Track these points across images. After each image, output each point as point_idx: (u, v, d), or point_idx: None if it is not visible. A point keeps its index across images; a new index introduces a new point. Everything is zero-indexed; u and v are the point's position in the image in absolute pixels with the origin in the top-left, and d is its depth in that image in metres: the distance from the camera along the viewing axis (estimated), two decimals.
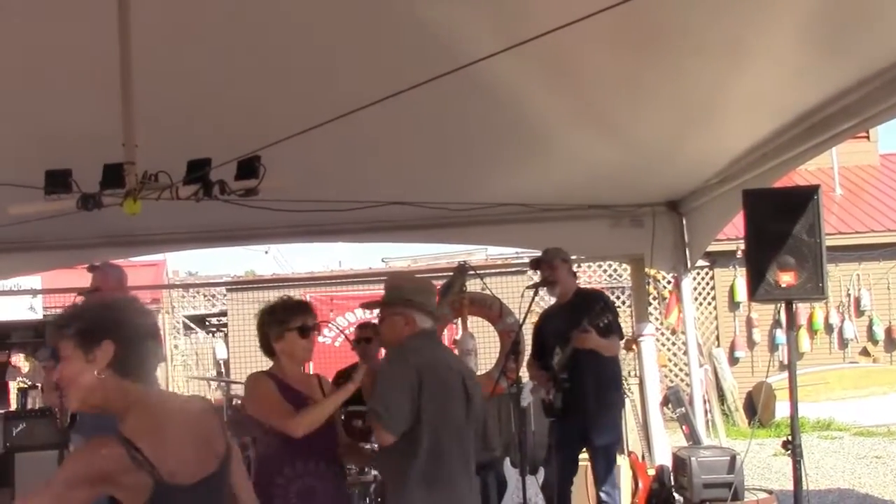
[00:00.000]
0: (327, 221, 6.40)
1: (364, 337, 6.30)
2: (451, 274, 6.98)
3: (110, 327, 2.27)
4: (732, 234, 11.53)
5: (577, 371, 5.47)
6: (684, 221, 6.82)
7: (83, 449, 2.28)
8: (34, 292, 11.56)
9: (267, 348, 3.74)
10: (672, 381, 12.62)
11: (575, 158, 5.29)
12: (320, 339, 12.37)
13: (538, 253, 5.92)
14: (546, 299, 7.41)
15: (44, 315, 11.25)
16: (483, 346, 7.71)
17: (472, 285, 7.11)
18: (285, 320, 3.66)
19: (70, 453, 2.21)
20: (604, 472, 5.66)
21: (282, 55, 3.60)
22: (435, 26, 3.35)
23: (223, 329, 14.77)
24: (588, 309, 5.44)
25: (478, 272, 7.13)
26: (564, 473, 5.66)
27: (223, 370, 14.30)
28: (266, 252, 16.44)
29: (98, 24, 3.00)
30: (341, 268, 15.98)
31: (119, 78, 3.05)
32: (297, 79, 3.85)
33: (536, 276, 6.34)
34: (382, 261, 16.12)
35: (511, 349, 5.71)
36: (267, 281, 14.23)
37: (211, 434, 2.44)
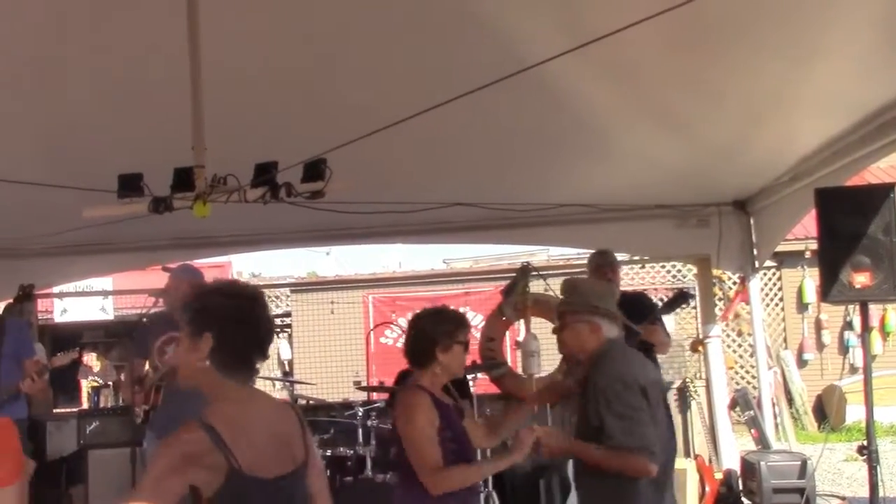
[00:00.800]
0: (388, 223, 6.43)
1: None
2: (513, 275, 6.95)
3: (212, 323, 2.38)
4: (800, 233, 11.27)
5: None
6: (752, 221, 6.68)
7: (168, 440, 2.36)
8: (105, 293, 11.87)
9: (422, 354, 3.46)
10: (739, 384, 12.38)
11: (639, 158, 5.23)
12: (381, 339, 12.50)
13: None
14: None
15: (115, 316, 11.52)
16: (546, 347, 7.66)
17: (535, 286, 7.06)
18: (456, 332, 3.46)
19: (156, 448, 2.28)
20: None
21: (347, 59, 3.63)
22: (498, 28, 3.34)
23: (287, 329, 14.94)
24: (637, 310, 5.29)
25: (541, 273, 7.07)
26: None
27: (288, 370, 14.48)
28: (328, 253, 16.61)
29: (168, 30, 3.06)
30: (401, 269, 16.04)
31: (189, 83, 3.11)
32: (362, 82, 3.87)
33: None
34: (444, 262, 16.14)
35: None
36: (331, 282, 14.37)
37: (291, 438, 2.50)
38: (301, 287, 14.34)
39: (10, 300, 6.36)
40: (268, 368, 15.19)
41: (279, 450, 2.44)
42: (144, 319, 5.99)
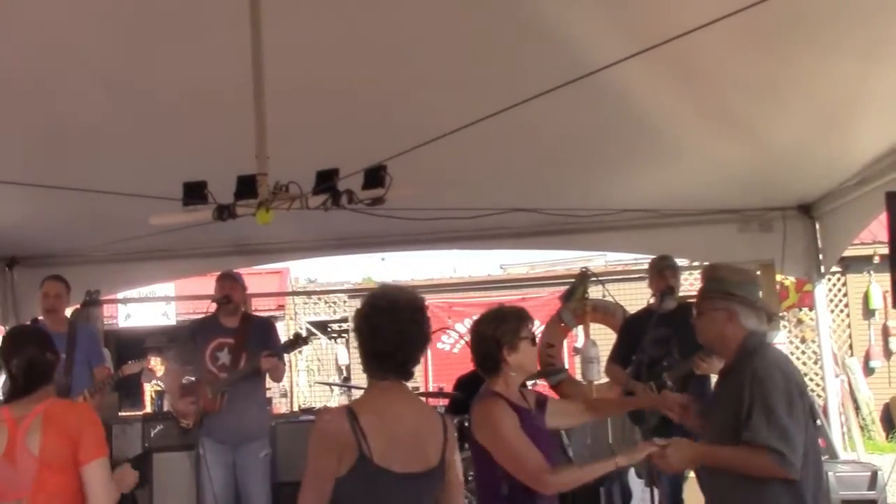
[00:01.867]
0: (444, 229, 6.41)
1: None
2: (571, 280, 6.90)
3: (363, 329, 2.62)
4: (867, 238, 10.98)
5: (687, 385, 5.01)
6: (817, 225, 6.53)
7: (315, 422, 2.61)
8: (167, 299, 12.09)
9: (490, 359, 3.32)
10: None
11: (702, 161, 5.15)
12: (438, 345, 12.51)
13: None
14: None
15: (177, 321, 11.72)
16: (605, 353, 7.59)
17: (594, 292, 7.00)
18: (519, 329, 3.31)
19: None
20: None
21: (405, 66, 3.64)
22: (560, 33, 3.31)
23: (344, 335, 15.05)
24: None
25: (600, 278, 7.00)
26: (673, 485, 5.46)
27: (346, 375, 14.58)
28: (382, 259, 16.70)
29: (231, 41, 3.10)
30: (456, 274, 16.05)
31: (252, 92, 3.14)
32: (421, 89, 3.87)
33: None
34: (501, 267, 16.10)
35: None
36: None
37: (428, 442, 2.62)
38: (359, 293, 14.43)
39: (78, 305, 6.52)
40: (326, 373, 15.33)
41: (413, 449, 2.56)
42: (187, 326, 6.00)
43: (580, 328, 7.32)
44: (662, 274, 5.42)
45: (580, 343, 8.48)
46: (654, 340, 5.08)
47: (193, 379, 5.62)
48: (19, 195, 4.91)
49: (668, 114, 4.32)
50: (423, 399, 3.08)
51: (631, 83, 3.68)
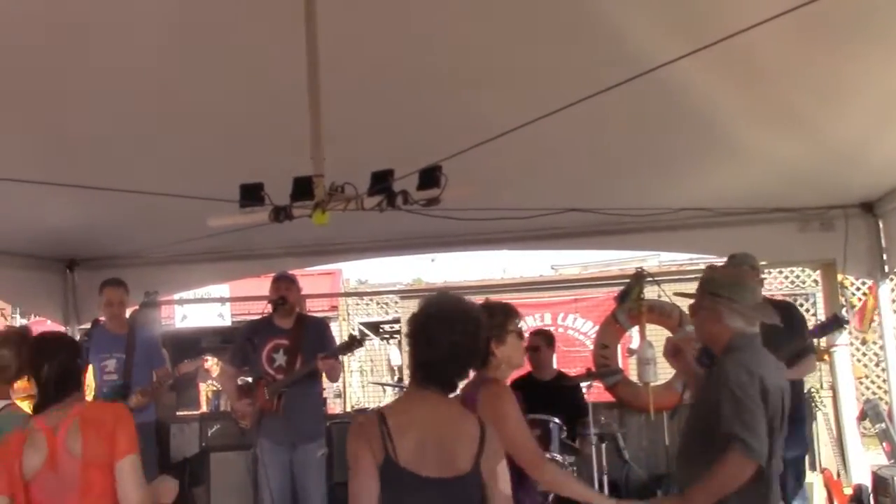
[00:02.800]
0: (495, 229, 6.35)
1: (533, 346, 6.25)
2: (626, 281, 6.82)
3: (416, 337, 2.67)
4: None
5: None
6: (881, 224, 6.36)
7: (350, 427, 2.72)
8: (222, 300, 12.24)
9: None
10: (864, 395, 11.80)
11: (761, 159, 5.03)
12: None
13: (718, 259, 5.66)
14: None
15: (231, 322, 11.85)
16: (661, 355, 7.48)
17: (649, 292, 6.90)
18: (505, 323, 3.43)
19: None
20: (793, 486, 5.35)
21: (461, 67, 3.60)
22: (618, 30, 3.26)
23: (396, 336, 15.09)
24: (789, 321, 5.00)
25: (655, 279, 6.90)
26: None
27: (399, 376, 14.61)
28: (432, 260, 16.74)
29: (286, 41, 3.10)
30: (505, 275, 16.00)
31: (307, 94, 3.15)
32: (476, 89, 3.84)
33: None
34: (552, 268, 16.01)
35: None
36: (440, 289, 14.40)
37: (458, 448, 2.58)
38: (411, 294, 14.45)
39: (136, 307, 6.64)
40: (378, 374, 15.39)
41: (441, 454, 2.55)
42: (244, 327, 6.06)
43: (635, 329, 7.23)
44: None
45: (635, 344, 8.38)
46: None
47: (250, 380, 5.68)
48: (79, 198, 5.00)
49: (726, 111, 4.23)
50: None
51: (689, 80, 3.60)
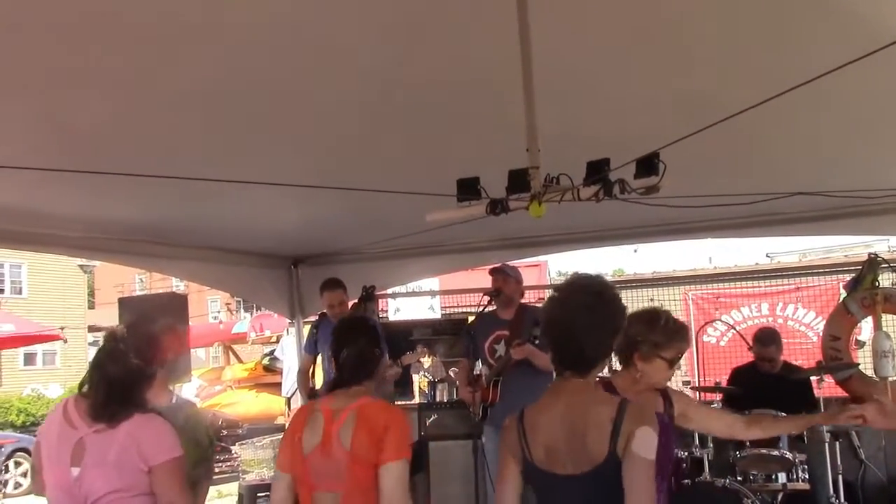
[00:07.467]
0: (704, 217, 6.03)
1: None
2: (856, 268, 6.35)
3: (541, 322, 2.68)
4: None
5: None
6: None
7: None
8: (434, 293, 12.58)
9: (624, 352, 3.21)
10: None
11: None
12: (704, 338, 12.02)
13: None
14: None
15: (441, 314, 12.15)
16: None
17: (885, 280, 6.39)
18: (661, 344, 3.16)
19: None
20: None
21: (682, 49, 3.47)
22: (851, 6, 3.03)
23: None
24: None
25: (892, 265, 6.38)
26: None
27: None
28: (635, 251, 16.41)
29: (499, 36, 3.11)
30: (711, 265, 15.40)
31: (521, 88, 3.14)
32: (697, 72, 3.69)
33: None
34: (767, 256, 15.25)
35: None
36: (649, 280, 14.07)
37: (588, 436, 2.40)
38: (621, 284, 14.23)
39: (356, 300, 6.94)
40: None
41: (572, 447, 2.41)
42: (471, 321, 6.25)
43: (867, 319, 6.71)
44: None
45: (864, 336, 7.80)
46: None
47: (478, 371, 5.92)
48: (301, 199, 5.27)
49: None
50: (604, 390, 2.75)
51: None
